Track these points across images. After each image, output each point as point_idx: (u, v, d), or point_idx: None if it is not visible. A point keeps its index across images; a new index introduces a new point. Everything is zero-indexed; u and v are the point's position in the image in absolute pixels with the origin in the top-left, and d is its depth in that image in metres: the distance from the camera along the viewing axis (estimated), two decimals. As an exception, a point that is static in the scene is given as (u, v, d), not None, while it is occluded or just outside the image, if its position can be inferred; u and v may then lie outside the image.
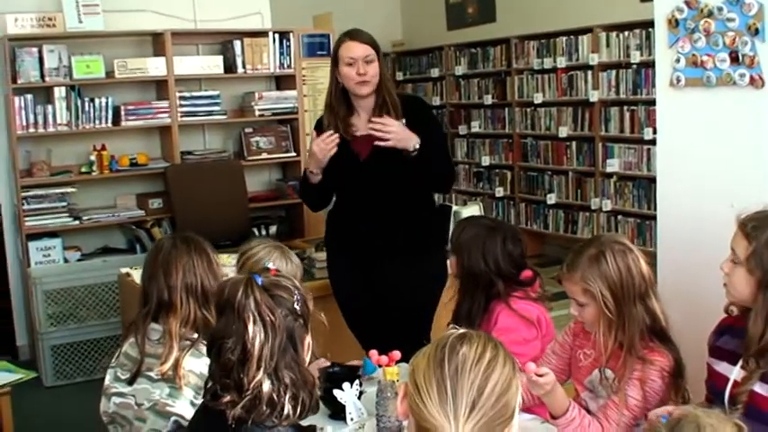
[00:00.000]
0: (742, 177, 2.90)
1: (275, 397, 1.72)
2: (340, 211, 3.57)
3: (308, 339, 1.83)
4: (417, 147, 3.31)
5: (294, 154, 5.99)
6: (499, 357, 1.47)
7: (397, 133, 3.29)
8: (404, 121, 3.37)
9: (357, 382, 2.55)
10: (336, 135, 3.33)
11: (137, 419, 2.41)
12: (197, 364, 2.35)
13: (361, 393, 2.56)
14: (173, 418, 2.32)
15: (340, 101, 3.43)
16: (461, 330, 1.54)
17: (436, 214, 3.63)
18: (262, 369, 1.71)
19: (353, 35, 3.38)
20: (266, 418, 1.73)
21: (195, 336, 2.42)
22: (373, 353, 2.66)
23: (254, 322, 1.72)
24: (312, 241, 4.76)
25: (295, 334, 1.78)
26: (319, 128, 3.49)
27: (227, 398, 1.74)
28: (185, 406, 2.32)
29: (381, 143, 3.28)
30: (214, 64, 5.71)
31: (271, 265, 1.94)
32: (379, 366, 2.64)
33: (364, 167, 3.38)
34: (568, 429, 2.29)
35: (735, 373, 2.21)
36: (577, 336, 2.58)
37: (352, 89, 3.38)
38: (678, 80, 3.12)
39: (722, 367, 2.28)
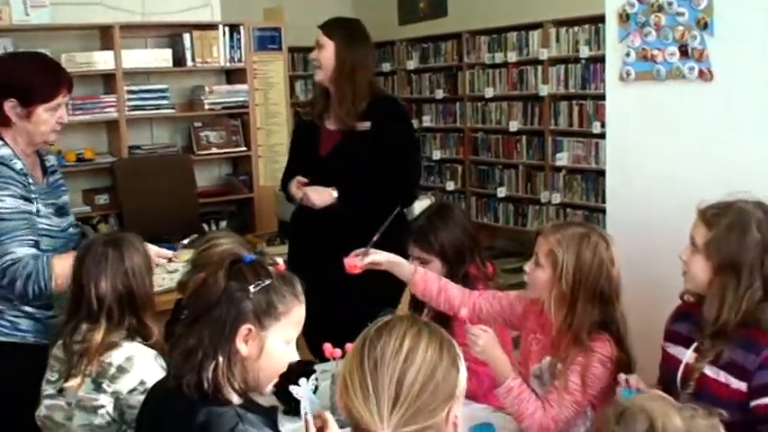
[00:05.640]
0: (691, 170, 2.93)
1: (192, 351, 1.79)
2: (303, 205, 3.53)
3: (252, 328, 1.80)
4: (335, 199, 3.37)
5: (245, 148, 5.93)
6: (420, 344, 1.47)
7: (320, 200, 3.36)
8: (368, 124, 3.36)
9: (313, 376, 2.54)
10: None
11: (66, 419, 2.34)
12: (116, 357, 2.30)
13: (316, 388, 2.54)
14: None
15: (320, 92, 3.51)
16: (386, 318, 1.54)
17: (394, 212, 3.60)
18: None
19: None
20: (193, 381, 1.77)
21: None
22: (327, 346, 2.65)
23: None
24: (263, 236, 4.73)
25: (231, 307, 1.79)
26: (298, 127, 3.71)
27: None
28: (107, 398, 2.28)
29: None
30: (162, 57, 5.62)
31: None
32: (333, 359, 2.63)
33: (324, 163, 3.36)
34: (507, 401, 2.33)
35: (687, 355, 2.27)
36: (528, 318, 2.59)
37: None
38: (628, 74, 3.15)
39: (676, 350, 2.33)
